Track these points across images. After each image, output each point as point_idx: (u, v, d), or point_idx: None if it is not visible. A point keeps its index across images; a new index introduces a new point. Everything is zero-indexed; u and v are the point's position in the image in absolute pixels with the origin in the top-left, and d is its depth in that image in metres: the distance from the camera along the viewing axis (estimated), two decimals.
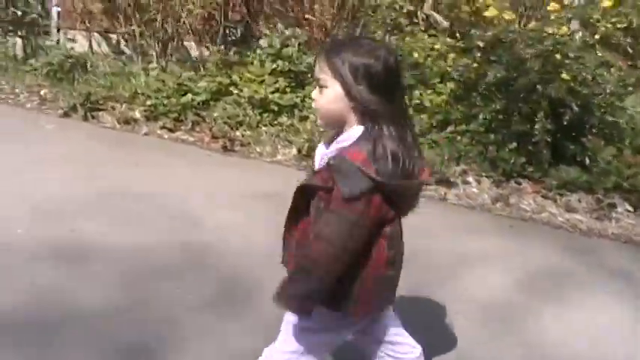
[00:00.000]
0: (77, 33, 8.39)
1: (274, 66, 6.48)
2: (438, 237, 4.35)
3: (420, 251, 3.70)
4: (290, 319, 2.11)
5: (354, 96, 1.92)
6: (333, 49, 1.97)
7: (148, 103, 6.31)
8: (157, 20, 7.07)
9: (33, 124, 6.22)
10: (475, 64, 5.67)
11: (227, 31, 7.75)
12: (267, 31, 6.91)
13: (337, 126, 2.00)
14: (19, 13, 7.40)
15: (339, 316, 2.02)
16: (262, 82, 6.44)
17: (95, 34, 8.29)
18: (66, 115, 6.46)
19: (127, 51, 8.06)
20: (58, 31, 8.70)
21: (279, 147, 5.85)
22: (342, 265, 1.89)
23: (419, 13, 6.99)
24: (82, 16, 8.10)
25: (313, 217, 1.98)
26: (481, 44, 5.66)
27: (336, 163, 1.87)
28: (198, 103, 6.33)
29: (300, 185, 1.98)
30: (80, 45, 8.20)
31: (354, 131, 1.93)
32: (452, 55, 5.64)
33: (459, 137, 5.61)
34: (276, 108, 6.25)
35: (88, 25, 8.18)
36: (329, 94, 1.95)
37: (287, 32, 6.65)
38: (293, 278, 1.93)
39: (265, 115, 6.22)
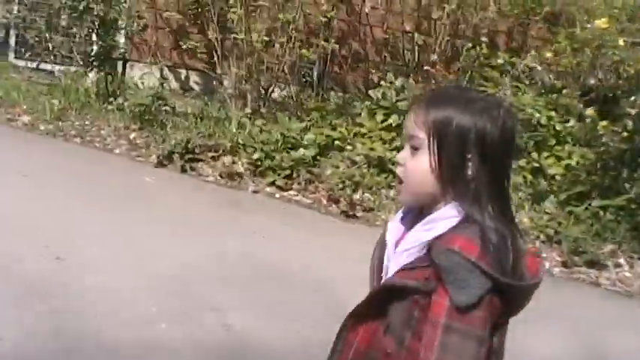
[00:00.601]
0: (144, 66, 7.83)
1: (389, 120, 5.99)
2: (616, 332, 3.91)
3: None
4: None
5: (459, 166, 1.47)
6: (435, 101, 1.53)
7: (255, 156, 5.80)
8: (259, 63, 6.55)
9: (129, 175, 5.72)
10: (625, 133, 5.19)
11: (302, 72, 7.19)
12: (374, 78, 6.42)
13: (424, 201, 1.53)
14: (103, 44, 6.86)
15: None
16: (377, 138, 5.95)
17: (166, 69, 7.75)
18: (161, 164, 5.96)
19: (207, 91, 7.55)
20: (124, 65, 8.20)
21: None
22: None
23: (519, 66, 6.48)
24: (155, 49, 7.53)
25: (397, 327, 1.50)
26: (632, 111, 5.18)
27: (442, 258, 1.41)
28: (307, 160, 5.83)
29: (387, 284, 1.52)
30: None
31: (449, 210, 1.48)
32: (603, 123, 5.15)
33: (601, 212, 5.13)
34: (394, 168, 5.74)
35: (160, 59, 7.61)
36: (423, 160, 1.49)
37: (397, 82, 6.15)
38: None
39: (383, 175, 5.73)
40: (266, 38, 6.41)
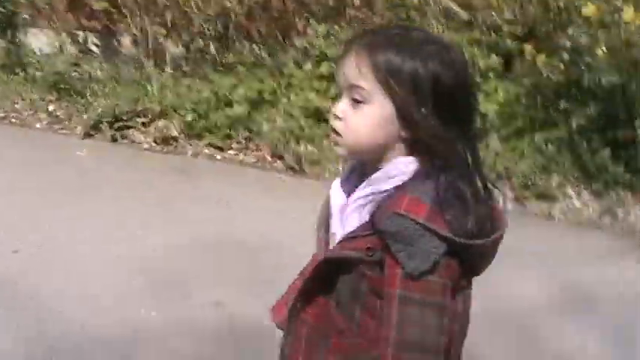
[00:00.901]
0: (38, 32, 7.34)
1: (320, 69, 5.91)
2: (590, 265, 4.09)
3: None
4: None
5: (414, 121, 1.30)
6: (380, 44, 1.32)
7: (188, 118, 5.62)
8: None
9: (59, 150, 5.43)
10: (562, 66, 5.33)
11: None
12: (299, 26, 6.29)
13: (371, 157, 1.37)
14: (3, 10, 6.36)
15: None
16: (309, 88, 5.88)
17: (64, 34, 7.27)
18: (88, 135, 5.68)
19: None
20: None
21: None
22: None
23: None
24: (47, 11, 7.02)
25: (346, 301, 1.37)
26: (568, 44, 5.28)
27: (387, 223, 1.26)
28: (243, 117, 5.70)
29: (330, 256, 1.37)
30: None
31: (401, 166, 1.32)
32: (542, 57, 5.26)
33: (544, 146, 5.30)
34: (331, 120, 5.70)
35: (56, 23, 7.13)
36: (372, 114, 1.32)
37: (319, 29, 6.03)
38: None
39: (322, 126, 5.68)
40: None
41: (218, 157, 5.48)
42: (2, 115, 5.97)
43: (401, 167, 1.33)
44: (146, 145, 5.59)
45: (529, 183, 5.01)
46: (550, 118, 5.28)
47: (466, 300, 1.39)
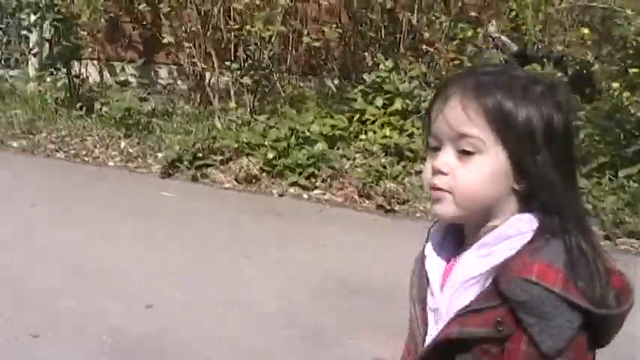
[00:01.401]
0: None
1: (395, 105, 5.93)
2: None
3: None
4: None
5: (530, 171, 1.16)
6: (485, 87, 1.17)
7: (270, 156, 5.59)
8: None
9: (142, 191, 5.36)
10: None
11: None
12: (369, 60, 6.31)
13: (478, 216, 1.20)
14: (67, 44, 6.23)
15: None
16: (385, 124, 5.89)
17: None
18: (167, 174, 5.62)
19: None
20: None
21: None
22: None
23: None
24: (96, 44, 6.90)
25: None
26: None
27: (518, 292, 1.11)
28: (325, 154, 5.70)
29: (447, 336, 1.18)
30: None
31: (520, 224, 1.17)
32: (627, 94, 5.35)
33: (627, 182, 5.38)
34: (411, 155, 5.74)
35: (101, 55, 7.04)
36: (487, 165, 1.16)
37: (388, 63, 6.05)
38: None
39: (402, 164, 5.70)
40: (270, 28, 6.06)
41: (305, 196, 5.45)
42: (73, 152, 5.86)
43: (519, 226, 1.15)
44: (228, 185, 5.54)
45: (618, 220, 5.09)
46: (634, 154, 5.37)
47: None
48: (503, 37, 6.68)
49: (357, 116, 6.05)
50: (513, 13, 6.54)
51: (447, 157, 1.16)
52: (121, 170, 5.69)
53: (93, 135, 6.01)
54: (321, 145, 5.65)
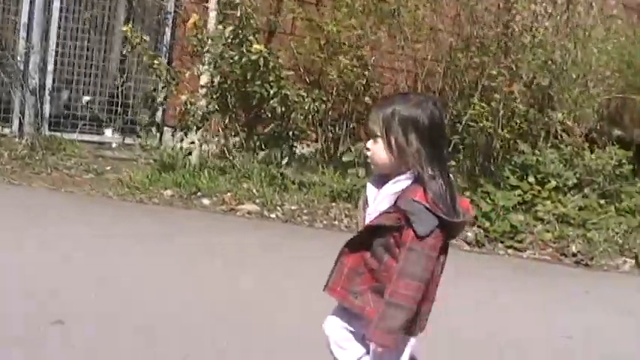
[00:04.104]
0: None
1: (552, 183, 7.73)
2: None
3: None
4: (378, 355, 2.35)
5: (403, 145, 2.21)
6: (384, 103, 2.29)
7: (487, 225, 7.12)
8: None
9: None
10: None
11: None
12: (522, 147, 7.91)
13: (389, 170, 2.27)
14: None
15: (405, 339, 2.36)
16: (548, 198, 7.64)
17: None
18: None
19: None
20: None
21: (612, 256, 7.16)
22: (421, 294, 2.21)
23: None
24: None
25: (379, 251, 2.27)
26: None
27: (408, 206, 2.16)
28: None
29: (372, 224, 2.27)
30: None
31: (408, 174, 2.23)
32: None
33: None
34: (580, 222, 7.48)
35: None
36: (382, 145, 2.24)
37: (548, 153, 7.84)
38: (387, 316, 2.20)
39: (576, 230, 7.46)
40: None
41: (510, 252, 6.95)
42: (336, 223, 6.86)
43: (406, 175, 2.22)
44: (466, 248, 6.95)
45: None
46: None
47: (445, 254, 2.29)
48: None
49: (517, 191, 7.73)
50: None
51: (369, 142, 2.29)
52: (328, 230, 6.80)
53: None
54: (519, 216, 7.27)
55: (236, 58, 6.72)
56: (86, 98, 9.14)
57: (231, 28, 6.63)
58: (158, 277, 4.64)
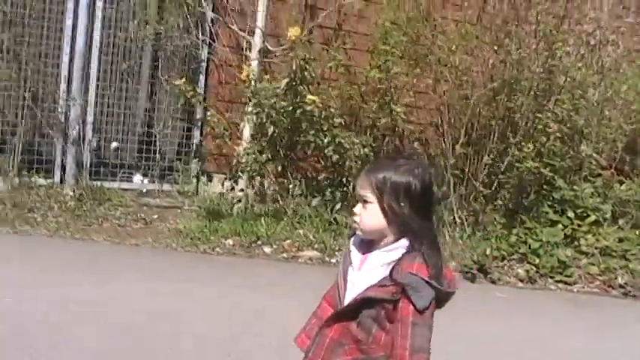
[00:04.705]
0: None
1: (590, 218, 8.01)
2: None
3: None
4: None
5: (396, 212, 2.14)
6: (375, 168, 2.21)
7: (537, 261, 7.38)
8: None
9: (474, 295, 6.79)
10: None
11: None
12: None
13: (378, 236, 2.20)
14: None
15: None
16: (589, 232, 7.93)
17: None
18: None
19: None
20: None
21: None
22: None
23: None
24: None
25: (366, 323, 2.16)
26: None
27: (406, 279, 2.09)
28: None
29: (365, 297, 2.14)
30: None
31: (401, 243, 2.16)
32: None
33: None
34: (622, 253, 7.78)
35: None
36: (373, 210, 2.17)
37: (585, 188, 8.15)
38: None
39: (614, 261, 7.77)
40: None
41: (559, 286, 7.24)
42: None
43: (401, 244, 2.14)
44: (520, 285, 7.21)
45: None
46: None
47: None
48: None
49: (559, 226, 8.00)
50: None
51: (358, 207, 2.20)
52: None
53: None
54: (566, 250, 7.55)
55: (290, 108, 6.90)
56: (114, 145, 9.26)
57: (286, 80, 6.81)
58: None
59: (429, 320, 2.13)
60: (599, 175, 8.42)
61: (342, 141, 6.93)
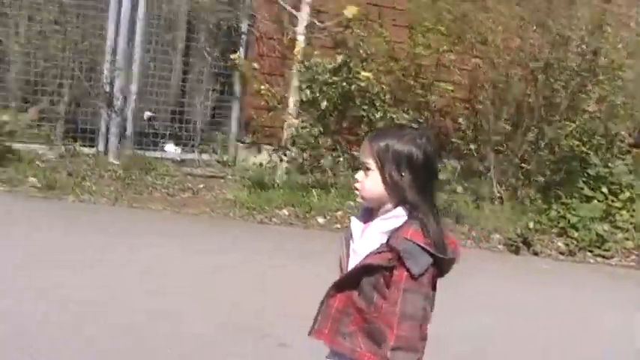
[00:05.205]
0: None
1: (626, 194, 8.33)
2: None
3: None
4: None
5: (396, 180, 2.12)
6: (377, 136, 2.19)
7: (576, 235, 7.69)
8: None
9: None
10: None
11: None
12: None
13: (377, 204, 2.18)
14: None
15: None
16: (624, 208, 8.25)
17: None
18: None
19: None
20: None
21: None
22: (424, 333, 2.13)
23: None
24: None
25: (367, 290, 2.15)
26: None
27: (401, 245, 2.07)
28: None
29: (364, 264, 2.13)
30: None
31: (399, 211, 2.14)
32: None
33: None
34: None
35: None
36: (374, 177, 2.15)
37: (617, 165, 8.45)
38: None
39: None
40: None
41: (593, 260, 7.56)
42: None
43: (399, 212, 2.13)
44: (562, 257, 7.51)
45: None
46: None
47: (435, 290, 2.17)
48: None
49: (594, 202, 8.31)
50: None
51: (360, 173, 2.19)
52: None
53: None
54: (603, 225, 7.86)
55: (344, 84, 7.11)
56: (147, 114, 9.43)
57: (342, 56, 7.01)
58: None
59: (425, 288, 2.09)
60: (629, 152, 8.69)
61: (394, 116, 7.14)
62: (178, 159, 8.92)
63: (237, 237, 6.46)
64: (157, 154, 8.79)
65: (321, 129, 7.36)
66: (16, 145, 7.83)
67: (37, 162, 7.73)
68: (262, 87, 7.31)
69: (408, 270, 2.06)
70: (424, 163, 2.12)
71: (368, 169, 2.15)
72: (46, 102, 7.87)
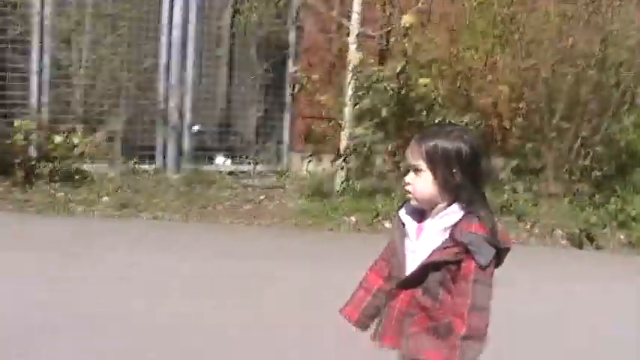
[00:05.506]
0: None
1: None
2: None
3: None
4: None
5: (448, 178, 2.17)
6: (425, 137, 2.23)
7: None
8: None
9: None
10: None
11: None
12: None
13: (428, 204, 2.23)
14: None
15: None
16: None
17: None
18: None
19: None
20: None
21: None
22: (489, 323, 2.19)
23: None
24: None
25: (433, 287, 2.20)
26: None
27: (467, 238, 2.14)
28: None
29: (430, 261, 2.18)
30: None
31: (454, 207, 2.20)
32: None
33: None
34: None
35: None
36: (425, 178, 2.19)
37: None
38: (467, 349, 2.14)
39: None
40: None
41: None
42: None
43: (455, 209, 2.20)
44: (625, 250, 7.62)
45: None
46: None
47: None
48: None
49: None
50: None
51: (410, 175, 2.24)
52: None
53: None
54: None
55: (402, 91, 7.28)
56: (195, 128, 9.60)
57: (402, 64, 7.18)
58: None
59: (490, 278, 2.16)
60: None
61: (452, 121, 7.28)
62: (228, 171, 9.07)
63: (322, 245, 6.52)
64: (211, 167, 8.97)
65: (382, 135, 7.50)
66: (83, 166, 8.03)
67: (104, 181, 7.91)
68: (322, 97, 7.44)
69: (476, 261, 2.13)
70: (472, 158, 2.18)
71: (418, 170, 2.20)
72: (113, 123, 8.04)
